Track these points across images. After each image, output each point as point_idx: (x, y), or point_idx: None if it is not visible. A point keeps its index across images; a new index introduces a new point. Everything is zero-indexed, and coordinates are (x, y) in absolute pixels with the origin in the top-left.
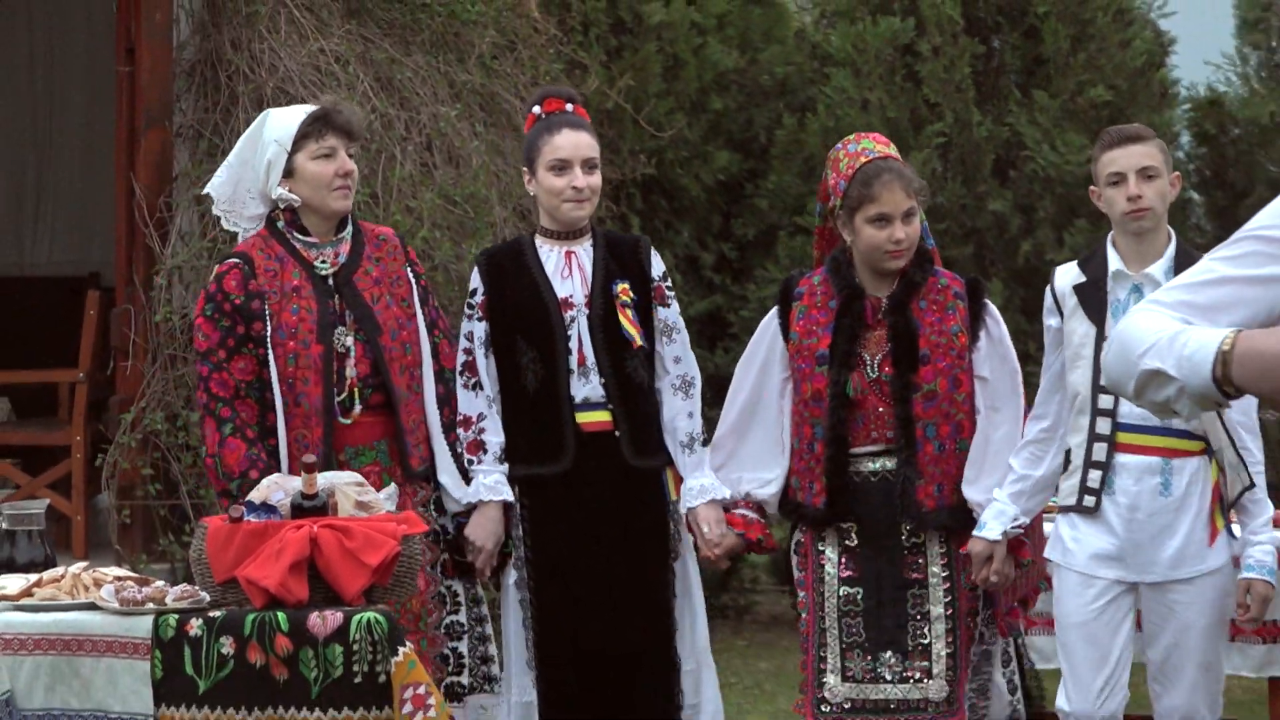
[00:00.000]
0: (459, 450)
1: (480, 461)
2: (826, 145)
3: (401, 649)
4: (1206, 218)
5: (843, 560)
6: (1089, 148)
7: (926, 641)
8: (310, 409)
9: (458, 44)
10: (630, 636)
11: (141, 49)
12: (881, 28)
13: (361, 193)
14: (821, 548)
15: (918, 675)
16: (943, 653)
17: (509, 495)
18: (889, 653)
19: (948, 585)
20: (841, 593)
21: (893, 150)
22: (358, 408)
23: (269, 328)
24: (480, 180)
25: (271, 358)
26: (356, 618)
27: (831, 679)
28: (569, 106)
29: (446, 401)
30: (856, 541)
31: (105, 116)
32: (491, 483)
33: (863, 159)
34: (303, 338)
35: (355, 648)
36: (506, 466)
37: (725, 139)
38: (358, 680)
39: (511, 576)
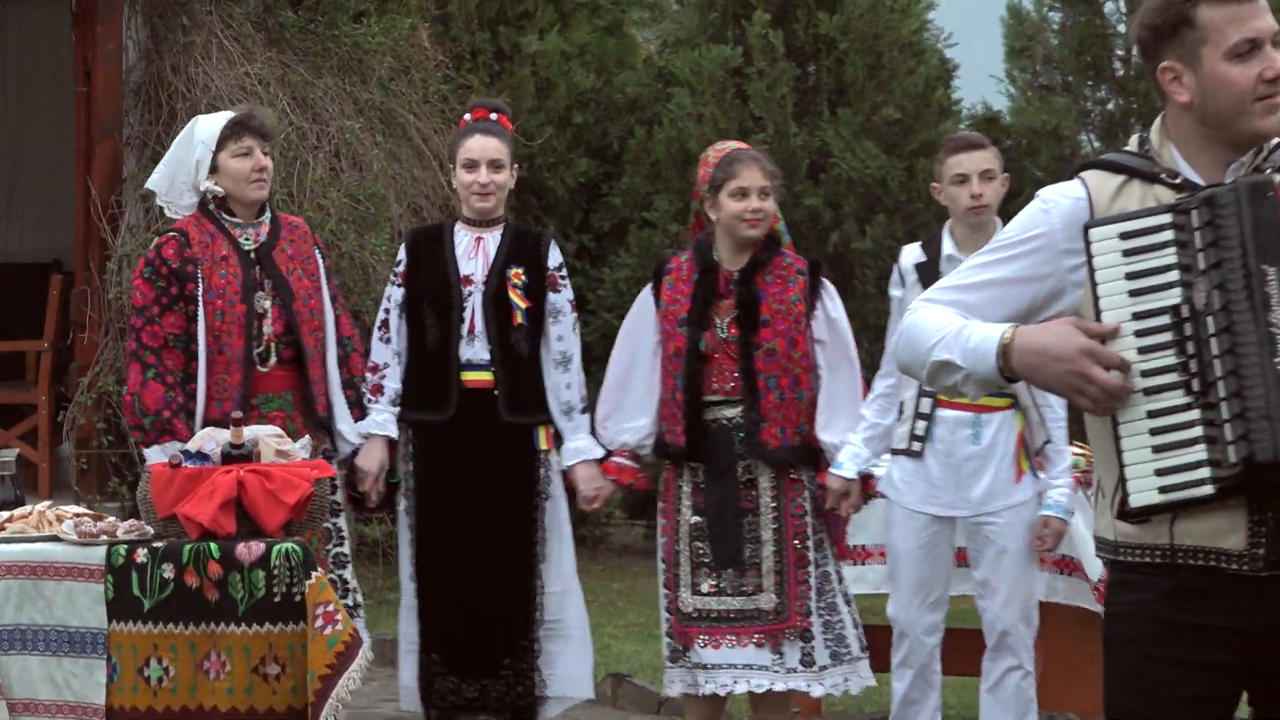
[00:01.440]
0: (360, 395)
1: (377, 402)
2: (670, 153)
3: (314, 573)
4: None
5: (694, 495)
6: (883, 156)
7: (759, 560)
8: (232, 357)
9: (361, 68)
10: (500, 596)
11: (96, 72)
12: (715, 54)
13: (279, 193)
14: (680, 483)
15: (751, 589)
16: (772, 570)
17: (394, 433)
18: (729, 570)
19: (775, 514)
20: (691, 520)
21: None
22: (273, 359)
23: (200, 288)
24: (379, 182)
25: (201, 313)
26: (276, 547)
27: (684, 592)
28: (493, 115)
29: (344, 363)
30: (703, 478)
31: (67, 129)
32: (381, 420)
33: (728, 150)
34: (229, 298)
35: (275, 573)
36: (398, 410)
37: (585, 148)
38: (277, 600)
39: (402, 504)
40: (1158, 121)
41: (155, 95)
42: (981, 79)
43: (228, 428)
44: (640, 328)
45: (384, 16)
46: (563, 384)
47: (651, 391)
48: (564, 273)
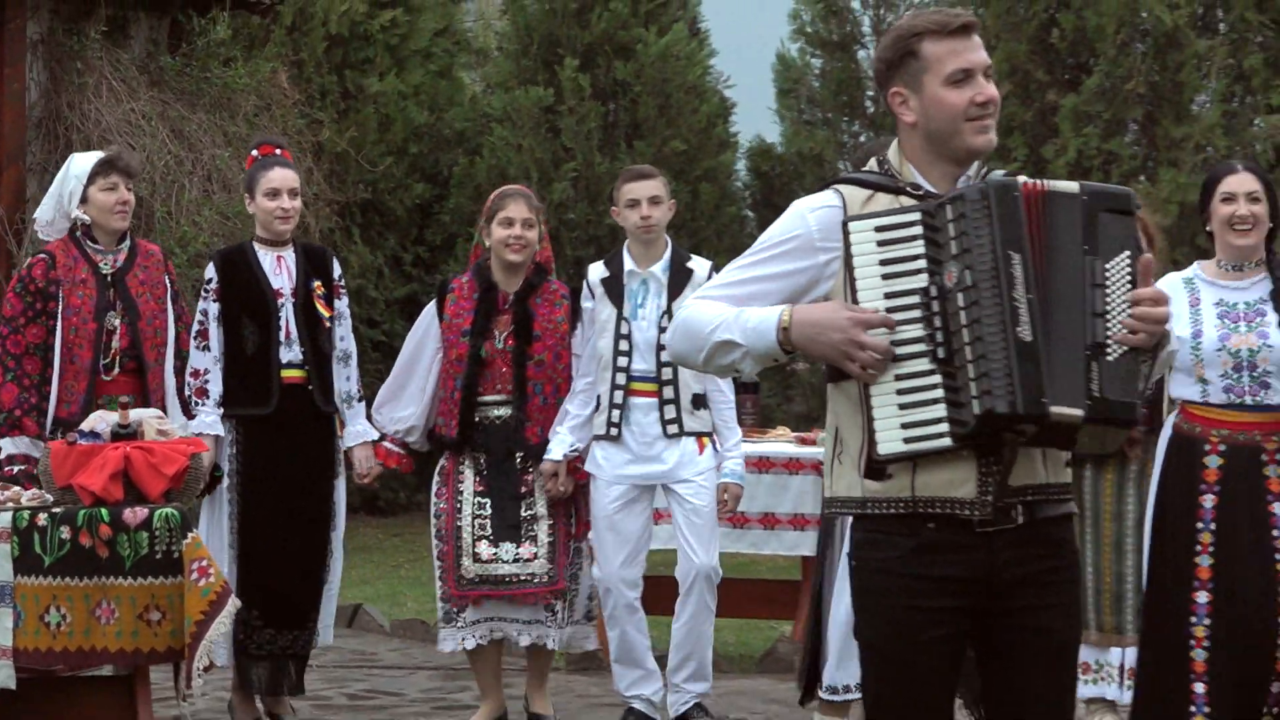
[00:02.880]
0: (188, 399)
1: (204, 404)
2: (491, 179)
3: (190, 534)
4: (758, 229)
5: (476, 478)
6: (672, 182)
7: (534, 534)
8: (81, 367)
9: (230, 105)
10: (308, 559)
11: (3, 109)
12: (530, 95)
13: (159, 210)
14: (461, 469)
15: (527, 558)
16: (544, 541)
17: (221, 431)
18: (508, 542)
19: (548, 495)
20: (475, 501)
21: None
22: (116, 369)
23: (60, 306)
24: (245, 203)
25: (59, 328)
26: (158, 512)
27: (466, 561)
28: (278, 151)
29: (180, 371)
30: (484, 466)
31: None
32: (210, 421)
33: (504, 189)
34: (83, 316)
35: (157, 534)
36: (222, 410)
37: (420, 174)
38: (159, 557)
39: (225, 483)
40: (894, 144)
41: (54, 128)
42: (756, 115)
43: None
44: (423, 337)
45: (249, 61)
46: (344, 377)
47: (424, 391)
48: (343, 283)
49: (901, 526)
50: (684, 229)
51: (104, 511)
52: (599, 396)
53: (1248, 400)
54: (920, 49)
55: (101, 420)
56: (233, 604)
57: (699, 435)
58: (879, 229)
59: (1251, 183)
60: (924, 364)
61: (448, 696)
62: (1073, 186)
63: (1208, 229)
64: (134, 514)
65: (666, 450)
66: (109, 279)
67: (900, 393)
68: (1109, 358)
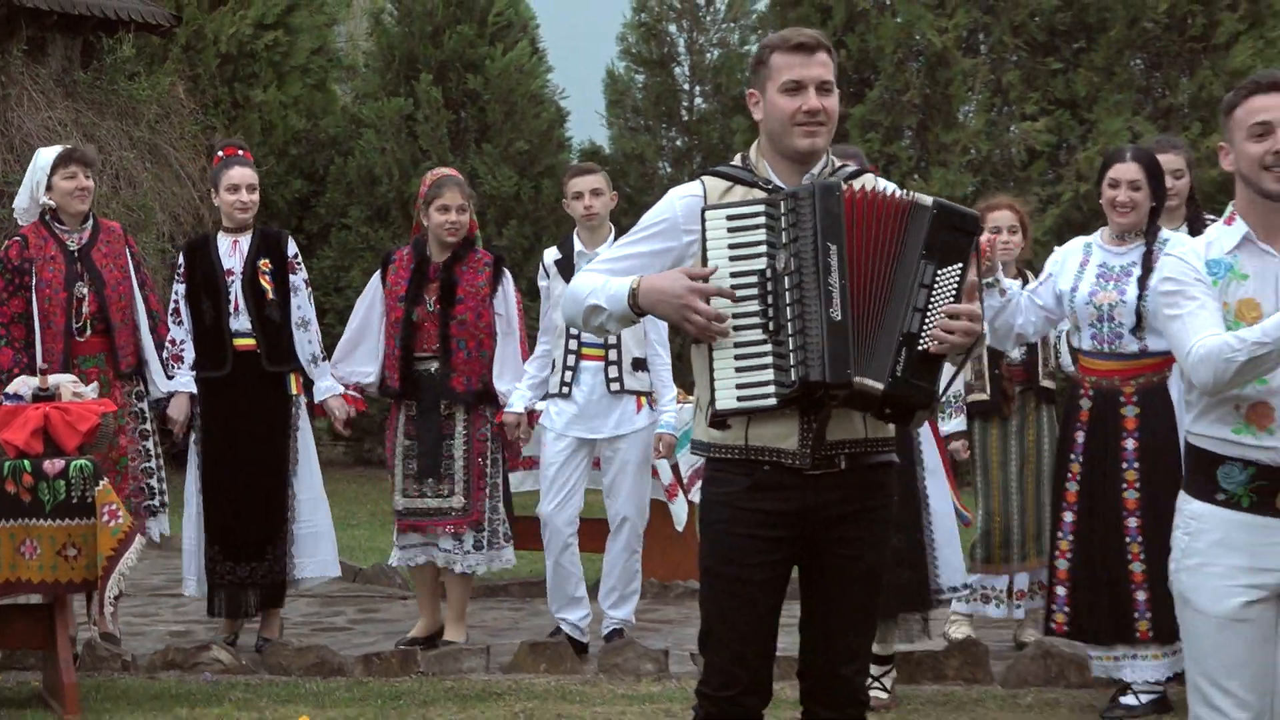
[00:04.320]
0: (164, 360)
1: (180, 368)
2: (360, 177)
3: (102, 481)
4: None
5: (407, 424)
6: (516, 178)
7: (452, 472)
8: (57, 331)
9: (134, 113)
10: (262, 502)
11: None
12: (393, 104)
13: None
14: (398, 416)
15: (447, 492)
16: (461, 478)
17: (194, 389)
18: (430, 479)
19: (465, 439)
20: (404, 443)
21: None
22: (88, 332)
23: (34, 280)
24: (148, 197)
25: (35, 299)
26: (74, 463)
27: (397, 495)
28: (240, 152)
29: (155, 329)
30: (415, 412)
31: None
32: (185, 380)
33: (440, 175)
34: (55, 287)
35: (73, 481)
36: (195, 372)
37: (298, 172)
38: (74, 501)
39: (193, 437)
40: (755, 144)
41: None
42: (587, 122)
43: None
44: (372, 303)
45: (150, 76)
46: (305, 341)
47: (378, 348)
48: (299, 259)
49: (740, 468)
50: (528, 218)
51: (26, 463)
52: (554, 360)
53: (1106, 348)
54: (770, 59)
55: (24, 384)
56: (139, 542)
57: (637, 395)
58: (730, 217)
59: (1135, 172)
60: (758, 334)
61: (324, 620)
62: (928, 200)
63: (1100, 202)
64: (53, 465)
65: (609, 409)
66: (76, 254)
67: (738, 358)
68: (919, 348)
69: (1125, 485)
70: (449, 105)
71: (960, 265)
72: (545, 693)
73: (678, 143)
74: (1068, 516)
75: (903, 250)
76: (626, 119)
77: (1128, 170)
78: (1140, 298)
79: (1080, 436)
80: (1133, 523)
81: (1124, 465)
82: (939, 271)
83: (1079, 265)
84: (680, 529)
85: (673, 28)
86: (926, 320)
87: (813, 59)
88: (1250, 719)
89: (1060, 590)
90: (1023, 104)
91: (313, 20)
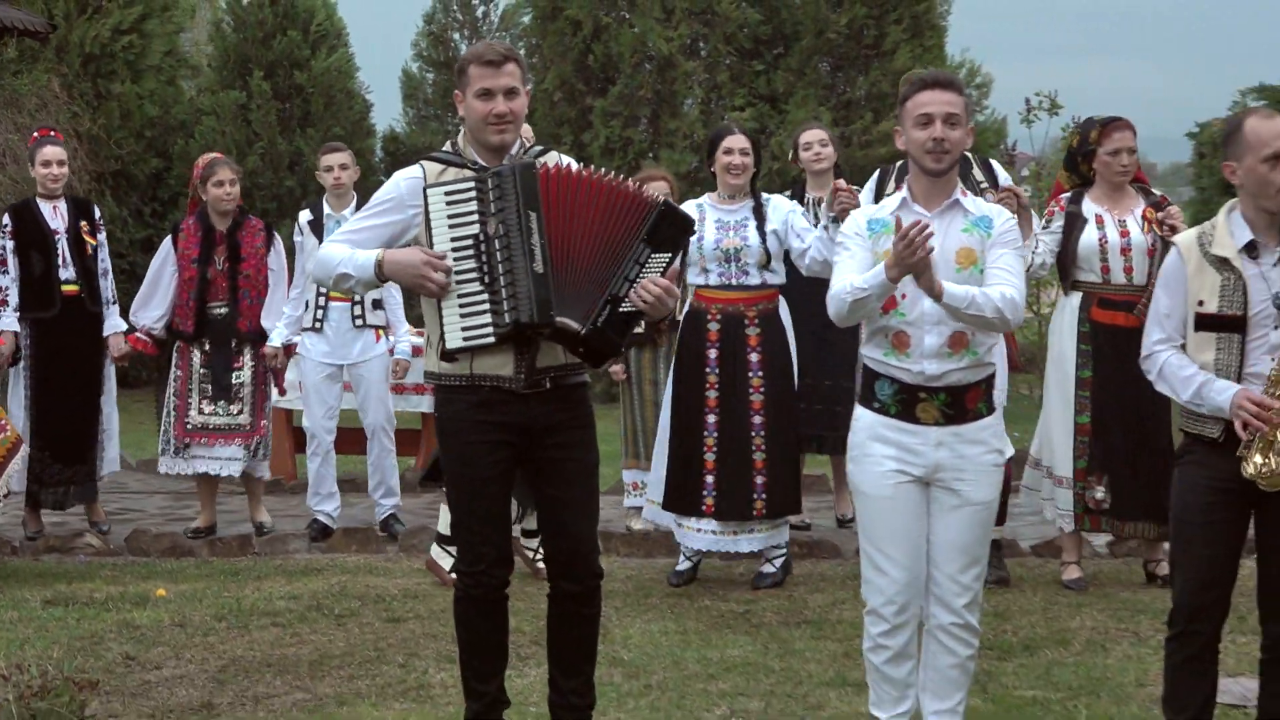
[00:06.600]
0: None
1: (4, 311)
2: (204, 154)
3: None
4: None
5: (202, 356)
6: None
7: (241, 396)
8: None
9: (17, 104)
10: (83, 413)
11: None
12: (230, 96)
13: None
14: (192, 351)
15: (236, 410)
16: (247, 399)
17: (17, 328)
18: (221, 400)
19: (252, 369)
20: (200, 371)
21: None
22: None
23: None
24: (29, 172)
25: None
26: None
27: (193, 412)
28: (51, 133)
29: None
30: (209, 348)
31: None
32: (9, 320)
33: (210, 158)
34: None
35: None
36: (18, 315)
37: (154, 151)
38: None
39: (21, 364)
40: (461, 133)
41: None
42: (389, 113)
43: None
44: (163, 263)
45: (30, 74)
46: (105, 288)
47: (167, 297)
48: (102, 221)
49: (468, 392)
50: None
51: None
52: (307, 301)
53: (733, 282)
54: (468, 69)
55: None
56: (24, 450)
57: (376, 328)
58: (448, 193)
59: (741, 142)
60: (476, 286)
61: (177, 512)
62: (659, 199)
63: (712, 170)
64: None
65: (354, 340)
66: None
67: (461, 306)
68: (620, 309)
69: (751, 390)
70: (277, 97)
71: (671, 254)
72: (356, 568)
73: (461, 129)
74: (710, 419)
75: (625, 233)
76: (420, 110)
77: (737, 141)
78: (763, 242)
79: (713, 354)
80: (757, 420)
81: (749, 374)
82: (654, 255)
83: (698, 221)
84: None
85: (456, 35)
86: (634, 290)
87: (501, 70)
88: (906, 579)
89: (709, 479)
90: (733, 98)
91: (164, 27)
